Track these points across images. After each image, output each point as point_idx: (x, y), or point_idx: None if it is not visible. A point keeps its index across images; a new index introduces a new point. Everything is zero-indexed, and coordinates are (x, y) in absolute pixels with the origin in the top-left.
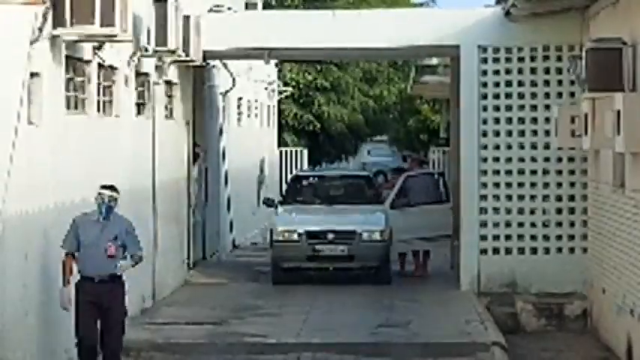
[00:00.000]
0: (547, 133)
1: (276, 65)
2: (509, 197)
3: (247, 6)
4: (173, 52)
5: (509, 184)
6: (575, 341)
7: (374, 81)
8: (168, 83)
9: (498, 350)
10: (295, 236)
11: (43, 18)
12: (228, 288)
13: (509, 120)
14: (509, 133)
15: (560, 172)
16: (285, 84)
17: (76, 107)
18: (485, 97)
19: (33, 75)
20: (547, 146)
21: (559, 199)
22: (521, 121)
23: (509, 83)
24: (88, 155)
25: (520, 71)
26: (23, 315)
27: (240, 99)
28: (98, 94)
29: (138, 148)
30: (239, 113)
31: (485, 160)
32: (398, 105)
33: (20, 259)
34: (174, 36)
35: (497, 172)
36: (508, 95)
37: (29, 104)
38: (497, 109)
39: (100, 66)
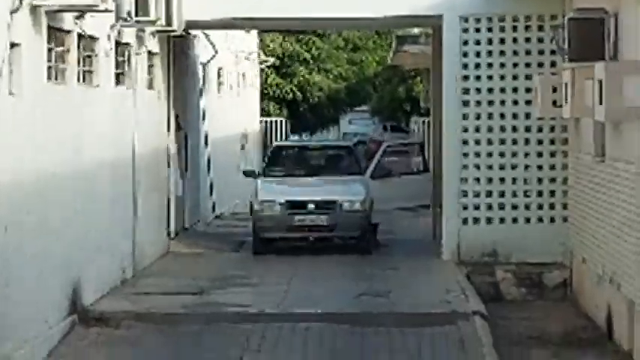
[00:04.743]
0: (528, 102)
1: (258, 35)
2: (490, 167)
3: None
4: (154, 22)
5: (490, 154)
6: (555, 310)
7: (356, 50)
8: (149, 53)
9: (479, 319)
10: (276, 207)
11: None
12: (209, 258)
13: (491, 90)
14: (491, 103)
15: (541, 142)
16: (267, 54)
17: (56, 77)
18: (466, 66)
19: (13, 45)
20: (528, 116)
21: (540, 168)
22: (503, 90)
23: (490, 53)
24: (68, 125)
25: (502, 41)
26: (4, 285)
27: (220, 69)
28: (79, 64)
29: (118, 117)
30: (220, 83)
31: (466, 129)
32: (380, 75)
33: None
34: (156, 6)
35: (478, 142)
36: (489, 65)
37: (9, 74)
38: (478, 78)
39: (81, 36)
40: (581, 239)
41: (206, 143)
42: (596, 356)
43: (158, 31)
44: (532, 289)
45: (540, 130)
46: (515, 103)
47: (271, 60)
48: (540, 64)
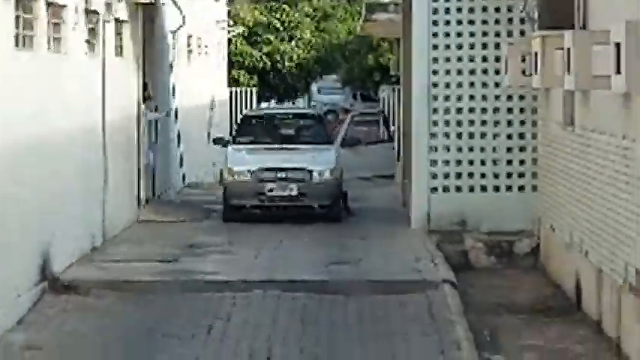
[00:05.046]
0: (497, 71)
1: (227, 3)
2: (459, 135)
3: None
4: None
5: (459, 123)
6: (524, 278)
7: (327, 18)
8: (118, 21)
9: (448, 287)
10: (246, 175)
11: None
12: (179, 226)
13: (460, 58)
14: (460, 72)
15: (510, 111)
16: (235, 22)
17: (24, 45)
18: (436, 35)
19: None
20: (497, 85)
21: (509, 137)
22: (472, 59)
23: (460, 22)
24: (37, 92)
25: (471, 10)
26: None
27: (189, 37)
28: (47, 32)
29: (87, 85)
30: (189, 51)
31: (435, 98)
32: (350, 44)
33: None
34: None
35: (447, 111)
36: (459, 34)
37: None
38: (448, 47)
39: (49, 3)
40: (550, 207)
41: (175, 111)
42: (565, 325)
43: None
44: (501, 257)
45: (510, 98)
46: (485, 72)
47: (240, 29)
48: (510, 34)
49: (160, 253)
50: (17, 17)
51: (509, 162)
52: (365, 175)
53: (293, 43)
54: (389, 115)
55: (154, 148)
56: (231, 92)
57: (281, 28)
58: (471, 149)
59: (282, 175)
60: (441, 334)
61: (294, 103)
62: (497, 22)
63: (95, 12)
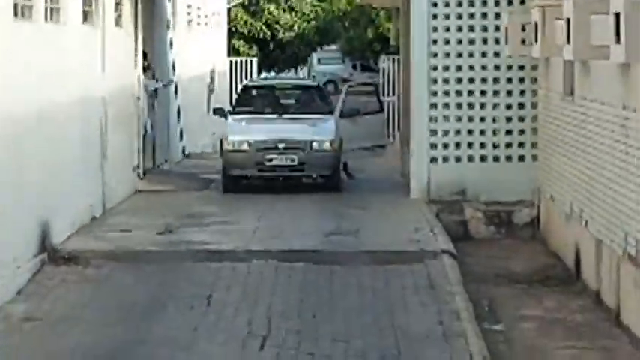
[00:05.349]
0: (497, 41)
1: None
2: (459, 105)
3: None
4: None
5: (459, 93)
6: (523, 248)
7: None
8: None
9: (447, 257)
10: (245, 146)
11: None
12: (178, 196)
13: (460, 28)
14: (460, 42)
15: (510, 80)
16: None
17: (23, 15)
18: (435, 5)
19: None
20: (497, 54)
21: (509, 107)
22: (471, 29)
23: None
24: (36, 63)
25: None
26: None
27: (189, 6)
28: (45, 1)
29: (86, 56)
30: (188, 21)
31: (435, 68)
32: (349, 14)
33: None
34: None
35: (447, 81)
36: (459, 3)
37: None
38: (447, 17)
39: None
40: (550, 178)
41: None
42: (564, 295)
43: None
44: (501, 227)
45: (509, 68)
46: (485, 41)
47: None
48: (510, 3)
49: (160, 224)
50: None
51: (509, 132)
52: (353, 146)
53: (292, 13)
54: (390, 86)
55: (153, 118)
56: (231, 62)
57: None
58: (470, 119)
59: (282, 145)
60: (440, 304)
61: (296, 72)
62: None
63: None
